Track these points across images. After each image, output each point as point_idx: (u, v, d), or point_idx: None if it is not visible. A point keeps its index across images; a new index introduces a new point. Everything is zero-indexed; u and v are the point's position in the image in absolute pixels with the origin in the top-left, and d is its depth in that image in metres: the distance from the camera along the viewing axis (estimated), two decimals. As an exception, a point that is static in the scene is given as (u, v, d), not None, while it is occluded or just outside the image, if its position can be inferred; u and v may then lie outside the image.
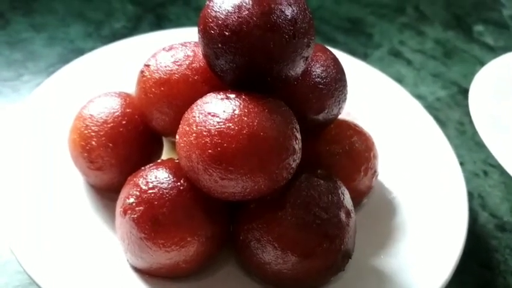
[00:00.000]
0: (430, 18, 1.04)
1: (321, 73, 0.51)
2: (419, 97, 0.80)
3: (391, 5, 1.06)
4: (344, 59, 0.57)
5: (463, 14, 1.06)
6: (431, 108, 0.80)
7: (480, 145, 0.75)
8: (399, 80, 0.84)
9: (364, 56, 0.91)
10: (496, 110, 0.72)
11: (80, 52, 0.75)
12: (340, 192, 0.49)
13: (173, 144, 0.56)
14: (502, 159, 0.64)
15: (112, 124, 0.52)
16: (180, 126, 0.46)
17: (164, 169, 0.47)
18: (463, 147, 0.76)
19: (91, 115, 0.52)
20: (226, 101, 0.44)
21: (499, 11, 1.07)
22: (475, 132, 0.72)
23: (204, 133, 0.42)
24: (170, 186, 0.46)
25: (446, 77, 0.90)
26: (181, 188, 0.46)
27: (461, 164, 0.61)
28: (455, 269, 0.50)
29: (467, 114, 0.75)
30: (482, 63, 0.86)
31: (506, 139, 0.67)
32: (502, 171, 0.71)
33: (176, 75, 0.49)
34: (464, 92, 0.85)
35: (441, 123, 0.77)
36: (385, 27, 1.00)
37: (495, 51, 0.95)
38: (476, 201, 0.68)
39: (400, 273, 0.51)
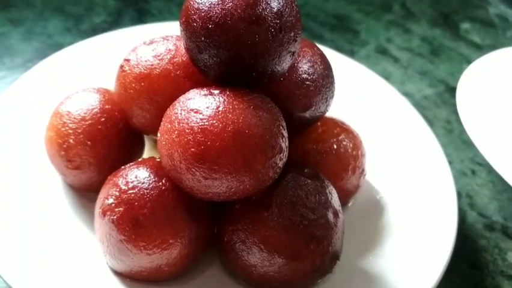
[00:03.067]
0: (417, 15, 1.04)
1: (308, 69, 0.50)
2: (406, 95, 0.80)
3: (377, 2, 1.06)
4: (331, 55, 0.56)
5: (450, 11, 1.06)
6: (418, 106, 0.79)
7: (467, 143, 0.74)
8: (386, 77, 0.83)
9: (351, 53, 0.90)
10: (484, 108, 0.71)
11: (58, 47, 0.72)
12: (328, 191, 0.48)
13: (155, 143, 0.55)
14: (489, 157, 0.63)
15: (90, 121, 0.50)
16: (162, 123, 0.44)
17: (145, 168, 0.46)
18: (451, 146, 0.75)
19: (68, 112, 0.51)
20: (209, 97, 0.42)
21: (485, 9, 1.07)
22: (462, 131, 0.72)
23: (187, 130, 0.41)
24: (151, 186, 0.44)
25: (433, 75, 0.89)
26: (163, 188, 0.45)
27: (449, 162, 0.61)
28: (444, 270, 0.50)
29: (455, 112, 0.74)
30: (469, 61, 0.86)
31: (493, 137, 0.67)
32: (490, 170, 0.71)
33: (158, 70, 0.48)
34: (451, 90, 0.84)
35: (429, 121, 0.76)
36: (371, 25, 1.00)
37: (482, 49, 0.95)
38: (464, 201, 0.68)
39: (390, 274, 0.50)
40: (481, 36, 1.00)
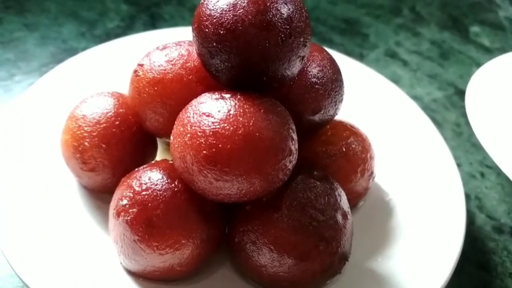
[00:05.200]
0: (426, 19, 1.04)
1: (318, 73, 0.50)
2: (415, 98, 0.80)
3: (387, 5, 1.06)
4: (340, 59, 0.57)
5: (459, 15, 1.06)
6: (427, 109, 0.79)
7: (477, 146, 0.75)
8: (396, 81, 0.84)
9: (360, 57, 0.91)
10: (493, 111, 0.71)
11: (73, 52, 0.74)
12: (337, 193, 0.48)
13: (167, 145, 0.55)
14: (498, 160, 0.63)
15: (104, 124, 0.51)
16: (174, 126, 0.45)
17: (158, 170, 0.47)
18: (460, 149, 0.76)
19: (83, 115, 0.52)
20: (221, 100, 0.43)
21: (495, 12, 1.07)
22: (471, 134, 0.72)
23: (199, 133, 0.42)
24: (164, 187, 0.45)
25: (442, 78, 0.89)
26: (176, 189, 0.45)
27: (458, 165, 0.61)
28: (452, 271, 0.50)
29: (464, 115, 0.74)
30: (478, 65, 0.86)
31: (503, 140, 0.67)
32: (499, 173, 0.71)
33: (170, 75, 0.49)
34: (461, 93, 0.85)
35: (438, 124, 0.77)
36: (381, 28, 1.00)
37: (491, 52, 0.95)
38: (473, 203, 0.68)
39: (398, 275, 0.50)
40: (491, 39, 1.00)
